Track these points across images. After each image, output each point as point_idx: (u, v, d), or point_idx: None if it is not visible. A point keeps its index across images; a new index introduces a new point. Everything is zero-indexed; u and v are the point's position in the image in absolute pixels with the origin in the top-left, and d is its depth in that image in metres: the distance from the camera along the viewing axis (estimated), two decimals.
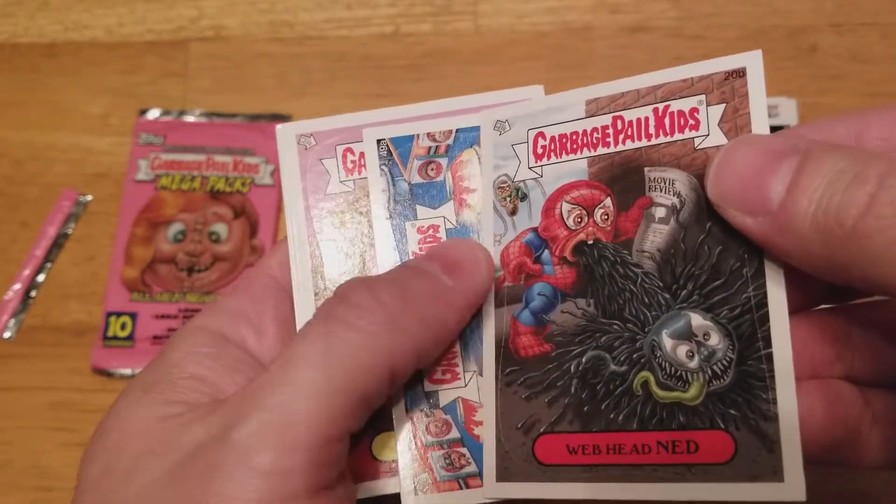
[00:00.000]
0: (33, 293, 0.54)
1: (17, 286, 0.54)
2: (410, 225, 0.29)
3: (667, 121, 0.26)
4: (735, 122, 0.25)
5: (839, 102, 0.56)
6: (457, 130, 0.29)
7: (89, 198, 0.56)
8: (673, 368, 0.24)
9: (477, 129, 0.29)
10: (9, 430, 0.51)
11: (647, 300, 0.25)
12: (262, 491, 0.21)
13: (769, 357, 0.23)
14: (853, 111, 0.25)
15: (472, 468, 0.27)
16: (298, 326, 0.28)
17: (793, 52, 0.57)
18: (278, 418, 0.22)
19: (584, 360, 0.26)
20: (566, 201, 0.27)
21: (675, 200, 0.25)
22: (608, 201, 0.26)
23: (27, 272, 0.54)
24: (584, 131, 0.27)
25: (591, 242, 0.26)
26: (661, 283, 0.25)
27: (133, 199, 0.55)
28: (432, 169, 0.29)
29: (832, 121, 0.25)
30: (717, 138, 0.25)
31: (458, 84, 0.58)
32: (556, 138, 0.28)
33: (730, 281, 0.24)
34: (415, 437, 0.27)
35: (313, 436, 0.22)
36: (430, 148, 0.29)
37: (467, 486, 0.27)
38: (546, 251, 0.27)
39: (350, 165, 0.30)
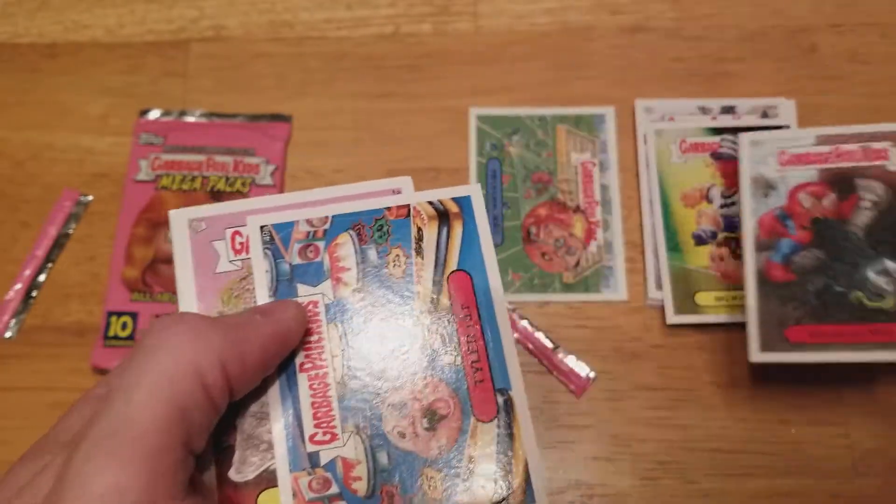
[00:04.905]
0: (34, 293, 0.54)
1: (18, 286, 0.54)
2: None
3: (869, 153, 0.46)
4: None
5: (838, 103, 0.56)
6: (333, 216, 0.32)
7: (90, 198, 0.56)
8: (876, 289, 0.44)
9: (351, 214, 0.33)
10: (9, 430, 0.51)
11: (858, 252, 0.44)
12: None
13: None
14: None
15: None
16: None
17: (793, 52, 0.58)
18: (103, 441, 0.24)
19: (817, 283, 0.44)
20: (804, 192, 0.46)
21: (876, 198, 0.45)
22: (832, 194, 0.45)
23: (28, 272, 0.54)
24: (814, 153, 0.46)
25: (822, 218, 0.45)
26: (867, 244, 0.44)
27: (134, 199, 0.55)
28: (311, 251, 0.32)
29: None
30: None
31: (457, 84, 0.58)
32: (796, 156, 0.47)
33: None
34: (297, 493, 0.29)
35: (137, 449, 0.24)
36: (308, 232, 0.32)
37: None
38: (789, 220, 0.45)
39: (238, 246, 0.33)
